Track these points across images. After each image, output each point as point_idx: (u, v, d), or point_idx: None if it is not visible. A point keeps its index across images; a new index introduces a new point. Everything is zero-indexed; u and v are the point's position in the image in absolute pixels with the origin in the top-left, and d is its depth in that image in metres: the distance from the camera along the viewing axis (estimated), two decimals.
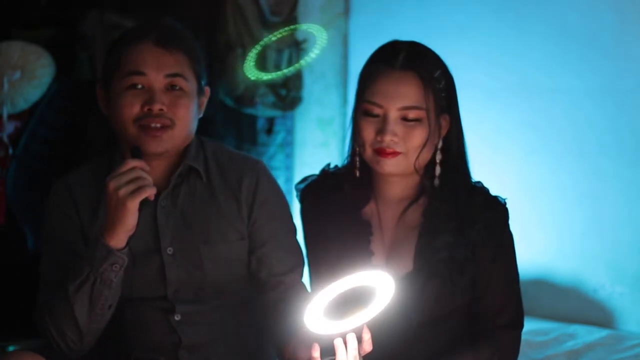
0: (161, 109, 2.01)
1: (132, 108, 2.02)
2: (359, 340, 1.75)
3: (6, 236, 3.20)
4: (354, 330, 1.73)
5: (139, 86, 2.02)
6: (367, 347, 1.76)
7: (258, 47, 2.07)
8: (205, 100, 2.15)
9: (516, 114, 3.38)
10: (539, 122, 3.33)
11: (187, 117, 2.05)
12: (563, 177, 3.28)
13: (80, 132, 3.20)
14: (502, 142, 3.40)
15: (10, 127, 3.13)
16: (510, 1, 3.39)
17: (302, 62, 2.02)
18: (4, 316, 3.12)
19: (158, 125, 2.01)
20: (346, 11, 3.87)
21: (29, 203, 3.16)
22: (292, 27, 2.15)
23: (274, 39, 2.18)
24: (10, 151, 3.11)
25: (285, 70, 2.04)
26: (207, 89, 2.15)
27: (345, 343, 1.74)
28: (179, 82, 2.04)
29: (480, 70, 3.42)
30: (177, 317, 2.07)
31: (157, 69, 2.02)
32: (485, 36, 3.42)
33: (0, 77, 3.06)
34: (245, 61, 2.04)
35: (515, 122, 3.38)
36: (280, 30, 2.22)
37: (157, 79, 2.02)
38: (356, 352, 1.74)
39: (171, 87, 2.04)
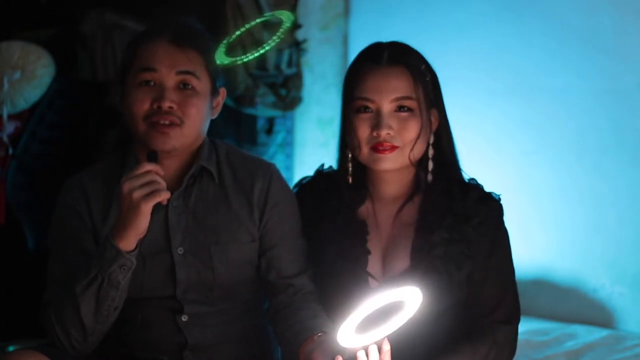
0: (171, 107, 2.01)
1: (143, 104, 2.02)
2: (379, 351, 1.77)
3: (6, 236, 3.19)
4: (376, 342, 1.76)
5: (151, 83, 2.02)
6: (386, 358, 1.78)
7: (232, 37, 2.07)
8: (220, 101, 2.14)
9: (517, 114, 3.38)
10: (539, 121, 3.33)
11: (198, 116, 2.05)
12: (563, 177, 3.28)
13: (80, 132, 3.20)
14: (502, 142, 3.40)
15: (10, 127, 3.12)
16: (510, 0, 3.39)
17: (267, 47, 2.03)
18: (4, 316, 3.12)
19: (167, 122, 2.01)
20: (346, 11, 3.87)
21: (29, 203, 3.15)
22: (264, 15, 2.17)
23: (246, 26, 2.18)
24: (10, 151, 3.11)
25: (255, 53, 2.05)
26: (223, 90, 2.15)
27: (367, 354, 1.76)
28: (191, 80, 2.04)
29: (481, 70, 3.42)
30: (184, 318, 2.07)
31: (169, 65, 2.02)
32: (485, 35, 3.42)
33: (0, 77, 3.05)
34: (218, 47, 2.06)
35: (515, 121, 3.38)
36: (252, 22, 2.22)
37: (168, 76, 2.02)
38: None
39: (183, 86, 2.04)
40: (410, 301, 1.73)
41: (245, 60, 2.02)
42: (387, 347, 1.77)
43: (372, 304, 1.71)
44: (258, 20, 2.17)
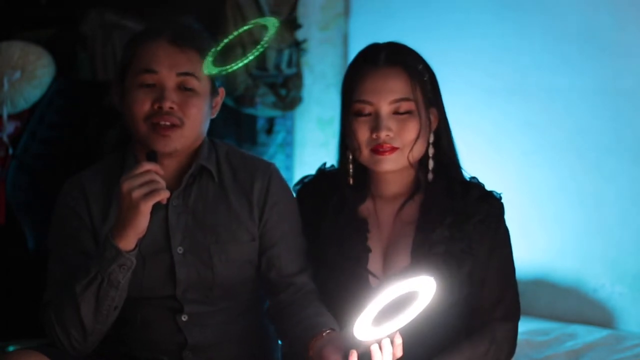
0: (171, 107, 2.01)
1: (143, 105, 2.02)
2: (392, 344, 1.77)
3: (6, 236, 3.20)
4: (389, 335, 1.76)
5: (151, 84, 2.03)
6: (398, 352, 1.78)
7: (219, 46, 2.06)
8: (219, 101, 2.15)
9: (516, 114, 3.38)
10: (539, 121, 3.33)
11: (198, 117, 2.05)
12: (564, 177, 3.28)
13: (80, 132, 3.20)
14: (502, 142, 3.40)
15: (10, 127, 3.13)
16: (510, 0, 3.39)
17: (251, 56, 2.02)
18: (4, 316, 3.12)
19: (167, 123, 2.02)
20: (346, 11, 3.87)
21: (29, 203, 3.16)
22: (252, 22, 2.16)
23: (234, 34, 2.17)
24: (10, 151, 3.11)
25: (239, 63, 2.03)
26: (222, 90, 2.16)
27: (380, 348, 1.76)
28: (191, 81, 2.04)
29: (480, 70, 3.42)
30: (184, 318, 2.07)
31: (169, 67, 2.03)
32: (485, 35, 3.42)
33: (0, 77, 3.06)
34: (206, 57, 2.04)
35: (515, 121, 3.38)
36: (239, 29, 2.21)
37: (169, 77, 2.02)
38: (391, 358, 1.77)
39: (183, 86, 2.04)
40: (424, 291, 1.72)
41: (230, 70, 2.01)
42: (399, 340, 1.78)
43: (388, 296, 1.71)
44: (245, 27, 2.16)
